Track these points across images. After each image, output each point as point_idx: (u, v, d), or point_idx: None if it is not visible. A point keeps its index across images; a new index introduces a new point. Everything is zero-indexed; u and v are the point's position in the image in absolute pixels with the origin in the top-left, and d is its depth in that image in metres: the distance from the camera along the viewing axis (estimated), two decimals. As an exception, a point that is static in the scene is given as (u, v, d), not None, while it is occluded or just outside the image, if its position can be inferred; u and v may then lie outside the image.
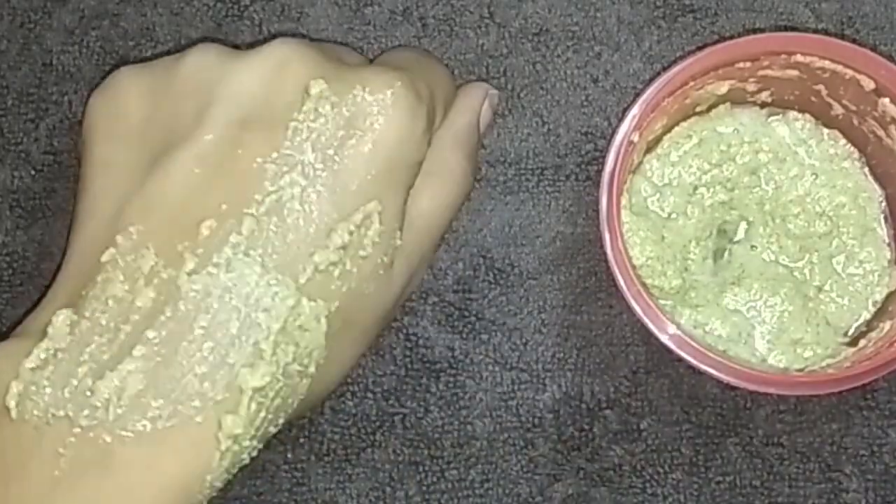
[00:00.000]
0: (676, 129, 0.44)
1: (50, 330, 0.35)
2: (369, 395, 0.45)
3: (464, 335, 0.45)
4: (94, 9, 0.46)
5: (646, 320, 0.39)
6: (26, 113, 0.46)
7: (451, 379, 0.45)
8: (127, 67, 0.39)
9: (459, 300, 0.45)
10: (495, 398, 0.45)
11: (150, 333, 0.34)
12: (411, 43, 0.46)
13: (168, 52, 0.46)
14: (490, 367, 0.45)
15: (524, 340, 0.45)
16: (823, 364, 0.42)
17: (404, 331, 0.45)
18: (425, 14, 0.46)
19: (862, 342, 0.42)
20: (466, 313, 0.45)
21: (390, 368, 0.45)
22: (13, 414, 0.34)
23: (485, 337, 0.45)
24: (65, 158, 0.45)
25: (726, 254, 0.44)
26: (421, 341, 0.45)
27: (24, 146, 0.46)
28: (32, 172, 0.46)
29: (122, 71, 0.39)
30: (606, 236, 0.39)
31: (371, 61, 0.42)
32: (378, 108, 0.37)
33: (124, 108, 0.38)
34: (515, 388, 0.45)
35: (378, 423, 0.45)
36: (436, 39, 0.46)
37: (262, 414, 0.35)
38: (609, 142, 0.40)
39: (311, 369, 0.37)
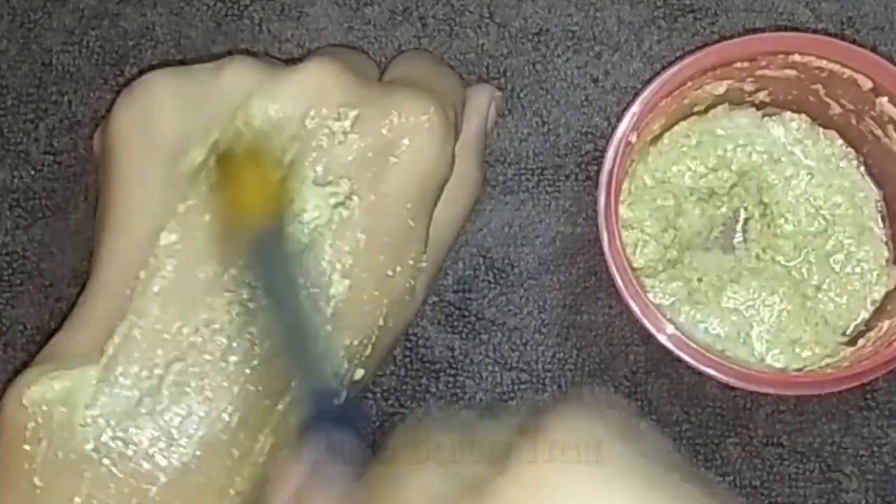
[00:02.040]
0: (675, 128, 0.44)
1: (104, 361, 0.35)
2: (369, 395, 0.45)
3: (464, 335, 0.45)
4: (94, 9, 0.46)
5: (644, 320, 0.39)
6: (26, 113, 0.46)
7: (451, 379, 0.45)
8: (160, 74, 0.38)
9: (459, 300, 0.45)
10: (495, 398, 0.45)
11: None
12: (411, 43, 0.46)
13: (168, 52, 0.46)
14: (490, 367, 0.45)
15: (524, 340, 0.45)
16: (822, 364, 0.42)
17: (404, 331, 0.45)
18: (425, 14, 0.46)
19: (861, 341, 0.42)
20: (466, 313, 0.45)
21: (390, 368, 0.45)
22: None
23: (485, 337, 0.45)
24: (65, 158, 0.46)
25: (724, 253, 0.44)
26: (421, 341, 0.45)
27: (24, 146, 0.46)
28: (32, 172, 0.46)
29: (154, 77, 0.38)
30: (605, 236, 0.39)
31: (380, 68, 0.42)
32: (412, 133, 0.37)
33: (158, 119, 0.37)
34: (515, 388, 0.45)
35: (378, 424, 0.45)
36: (436, 39, 0.46)
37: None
38: (608, 142, 0.40)
39: None
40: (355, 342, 0.36)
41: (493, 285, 0.45)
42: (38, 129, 0.46)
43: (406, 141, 0.37)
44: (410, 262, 0.37)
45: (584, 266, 0.45)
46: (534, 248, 0.45)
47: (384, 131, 0.36)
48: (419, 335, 0.45)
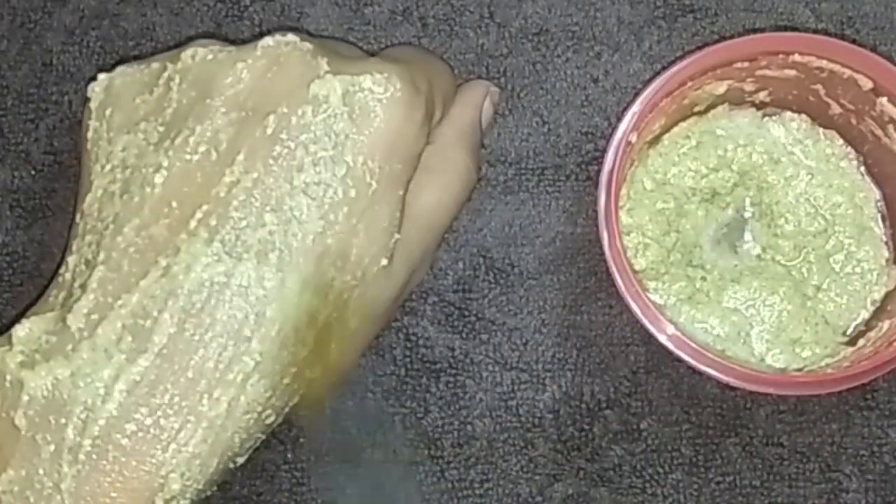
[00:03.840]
0: (675, 129, 0.44)
1: (71, 322, 0.35)
2: (369, 395, 0.45)
3: (464, 335, 0.45)
4: (94, 9, 0.46)
5: (644, 321, 0.39)
6: (26, 113, 0.46)
7: (451, 379, 0.45)
8: (124, 66, 0.39)
9: (459, 300, 0.45)
10: (495, 398, 0.45)
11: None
12: (411, 43, 0.46)
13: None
14: (490, 367, 0.45)
15: (524, 340, 0.45)
16: (822, 364, 0.42)
17: (404, 331, 0.45)
18: (425, 14, 0.46)
19: (861, 341, 0.42)
20: (466, 313, 0.45)
21: (390, 368, 0.45)
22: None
23: (485, 337, 0.45)
24: (65, 158, 0.46)
25: (728, 253, 0.44)
26: (421, 341, 0.45)
27: (24, 146, 0.46)
28: (32, 172, 0.46)
29: (118, 70, 0.39)
30: (605, 236, 0.39)
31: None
32: (376, 99, 0.37)
33: (124, 105, 0.38)
34: (515, 388, 0.45)
35: (378, 423, 0.45)
36: (436, 39, 0.46)
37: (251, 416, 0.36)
38: (608, 142, 0.40)
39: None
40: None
41: (493, 285, 0.45)
42: (39, 129, 0.46)
43: (369, 106, 0.37)
44: (382, 226, 0.37)
45: (584, 266, 0.45)
46: (534, 248, 0.45)
47: (347, 97, 0.37)
48: (419, 335, 0.45)
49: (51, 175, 0.46)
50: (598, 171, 0.40)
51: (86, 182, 0.38)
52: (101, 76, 0.39)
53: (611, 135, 0.40)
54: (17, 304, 0.45)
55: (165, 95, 0.38)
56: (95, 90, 0.39)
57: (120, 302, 0.35)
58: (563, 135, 0.46)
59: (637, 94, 0.40)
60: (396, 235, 0.38)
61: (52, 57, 0.46)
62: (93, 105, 0.39)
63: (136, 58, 0.41)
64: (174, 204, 0.36)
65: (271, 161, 0.36)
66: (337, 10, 0.46)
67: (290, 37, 0.37)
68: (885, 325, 0.41)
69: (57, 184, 0.45)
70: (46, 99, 0.46)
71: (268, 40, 0.37)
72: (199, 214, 0.35)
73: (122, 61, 0.45)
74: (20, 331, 0.36)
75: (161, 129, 0.37)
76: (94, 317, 0.35)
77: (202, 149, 0.36)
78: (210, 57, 0.37)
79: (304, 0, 0.46)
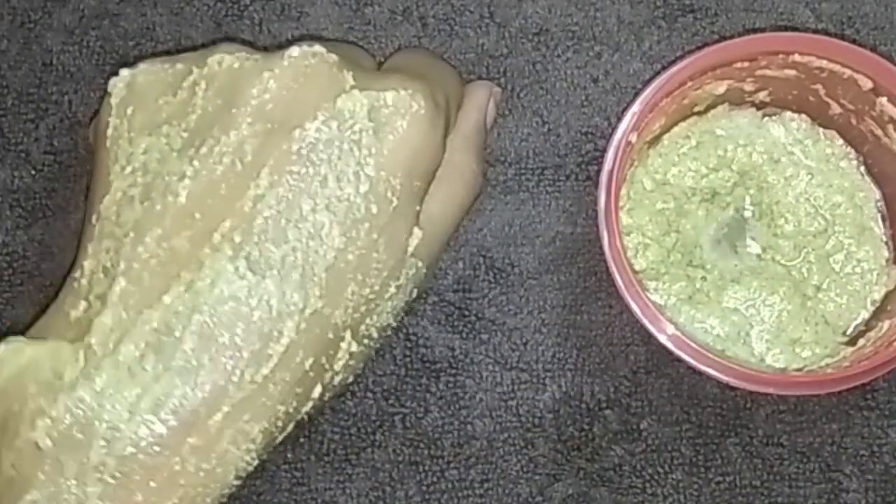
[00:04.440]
0: (675, 129, 0.44)
1: (93, 340, 0.35)
2: (369, 395, 0.45)
3: (464, 335, 0.45)
4: (94, 9, 0.46)
5: (644, 320, 0.39)
6: (26, 113, 0.46)
7: (451, 379, 0.45)
8: (147, 63, 0.39)
9: (459, 300, 0.45)
10: (495, 398, 0.45)
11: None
12: (411, 43, 0.46)
13: (168, 53, 0.46)
14: (490, 367, 0.45)
15: (524, 340, 0.45)
16: (822, 364, 0.42)
17: (404, 331, 0.45)
18: (425, 14, 0.46)
19: (861, 341, 0.42)
20: (466, 313, 0.45)
21: (390, 368, 0.45)
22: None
23: (485, 337, 0.45)
24: (65, 158, 0.46)
25: (728, 253, 0.44)
26: (421, 341, 0.45)
27: (24, 146, 0.46)
28: (32, 172, 0.46)
29: (141, 66, 0.39)
30: (605, 236, 0.39)
31: (380, 64, 0.42)
32: (401, 116, 0.37)
33: (146, 105, 0.38)
34: (515, 388, 0.45)
35: (378, 423, 0.45)
36: (436, 39, 0.46)
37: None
38: (608, 142, 0.40)
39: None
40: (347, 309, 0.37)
41: (493, 285, 0.45)
42: (39, 129, 0.46)
43: (393, 123, 0.37)
44: (401, 241, 0.37)
45: (584, 266, 0.45)
46: (534, 248, 0.45)
47: (372, 114, 0.36)
48: (419, 335, 0.45)
49: (51, 175, 0.46)
50: (598, 171, 0.40)
51: (103, 181, 0.38)
52: (124, 72, 0.39)
53: (611, 135, 0.40)
54: (17, 304, 0.45)
55: (190, 100, 0.37)
56: (118, 86, 0.39)
57: (143, 317, 0.35)
58: (563, 135, 0.46)
59: (637, 94, 0.40)
60: (411, 248, 0.38)
61: (52, 57, 0.46)
62: (113, 101, 0.38)
63: (136, 58, 0.41)
64: (197, 216, 0.35)
65: (297, 176, 0.36)
66: (337, 10, 0.46)
67: (317, 48, 0.37)
68: (885, 325, 0.41)
69: (57, 184, 0.45)
70: (46, 99, 0.46)
71: (294, 50, 0.37)
72: (223, 228, 0.35)
73: (122, 61, 0.46)
74: (34, 352, 0.35)
75: (185, 134, 0.37)
76: (116, 334, 0.35)
77: (227, 160, 0.36)
78: (237, 65, 0.37)
79: (304, 0, 0.46)
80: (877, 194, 0.44)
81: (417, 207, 0.38)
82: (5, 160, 0.46)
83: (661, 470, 0.44)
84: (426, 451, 0.44)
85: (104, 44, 0.46)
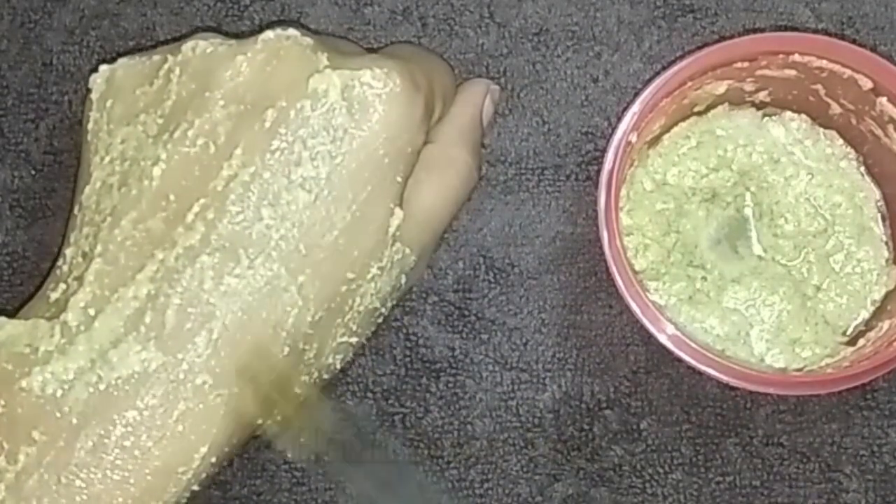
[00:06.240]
0: (675, 129, 0.44)
1: (69, 317, 0.35)
2: (369, 395, 0.45)
3: (464, 335, 0.45)
4: (94, 9, 0.46)
5: (644, 320, 0.39)
6: (26, 113, 0.46)
7: (451, 379, 0.45)
8: (126, 58, 0.40)
9: (459, 300, 0.45)
10: (495, 398, 0.45)
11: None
12: (411, 42, 0.46)
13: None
14: (490, 367, 0.45)
15: (524, 340, 0.45)
16: (822, 364, 0.42)
17: (404, 331, 0.45)
18: (425, 14, 0.46)
19: (861, 341, 0.42)
20: (466, 313, 0.45)
21: (390, 368, 0.45)
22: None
23: (485, 337, 0.45)
24: (65, 158, 0.46)
25: (729, 253, 0.44)
26: (421, 341, 0.45)
27: (24, 146, 0.46)
28: (32, 172, 0.46)
29: (120, 62, 0.40)
30: (605, 236, 0.39)
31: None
32: (375, 94, 0.37)
33: (124, 97, 0.38)
34: (515, 388, 0.45)
35: (378, 423, 0.45)
36: (436, 39, 0.46)
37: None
38: (608, 142, 0.40)
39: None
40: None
41: (493, 285, 0.45)
42: (39, 129, 0.46)
43: (368, 101, 0.37)
44: (379, 222, 0.37)
45: (584, 266, 0.45)
46: (534, 248, 0.45)
47: (346, 93, 0.37)
48: (419, 335, 0.45)
49: (51, 175, 0.46)
50: (598, 171, 0.40)
51: (85, 174, 0.38)
52: (103, 67, 0.39)
53: (611, 135, 0.40)
54: (17, 304, 0.45)
55: (165, 87, 0.38)
56: (97, 81, 0.39)
57: (117, 295, 0.35)
58: (563, 135, 0.46)
59: (637, 94, 0.40)
60: (392, 228, 0.38)
61: (52, 57, 0.46)
62: (94, 96, 0.39)
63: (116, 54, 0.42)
64: (171, 197, 0.36)
65: (269, 155, 0.36)
66: (337, 10, 0.46)
67: (291, 31, 0.38)
68: (885, 325, 0.41)
69: (57, 184, 0.45)
70: (46, 99, 0.46)
71: (268, 34, 0.37)
72: (196, 208, 0.35)
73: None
74: (13, 328, 0.36)
75: (160, 121, 0.37)
76: (91, 311, 0.35)
77: (200, 142, 0.36)
78: (210, 50, 0.37)
79: (304, 0, 0.46)
80: (877, 194, 0.44)
81: (396, 187, 0.38)
82: (5, 160, 0.46)
83: (661, 470, 0.44)
84: (426, 451, 0.44)
85: (104, 44, 0.46)
